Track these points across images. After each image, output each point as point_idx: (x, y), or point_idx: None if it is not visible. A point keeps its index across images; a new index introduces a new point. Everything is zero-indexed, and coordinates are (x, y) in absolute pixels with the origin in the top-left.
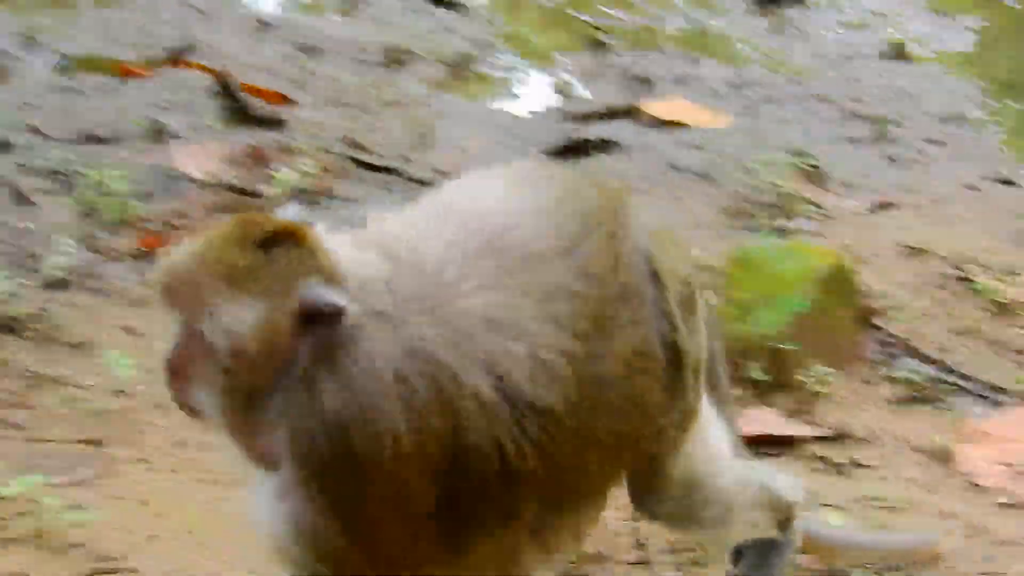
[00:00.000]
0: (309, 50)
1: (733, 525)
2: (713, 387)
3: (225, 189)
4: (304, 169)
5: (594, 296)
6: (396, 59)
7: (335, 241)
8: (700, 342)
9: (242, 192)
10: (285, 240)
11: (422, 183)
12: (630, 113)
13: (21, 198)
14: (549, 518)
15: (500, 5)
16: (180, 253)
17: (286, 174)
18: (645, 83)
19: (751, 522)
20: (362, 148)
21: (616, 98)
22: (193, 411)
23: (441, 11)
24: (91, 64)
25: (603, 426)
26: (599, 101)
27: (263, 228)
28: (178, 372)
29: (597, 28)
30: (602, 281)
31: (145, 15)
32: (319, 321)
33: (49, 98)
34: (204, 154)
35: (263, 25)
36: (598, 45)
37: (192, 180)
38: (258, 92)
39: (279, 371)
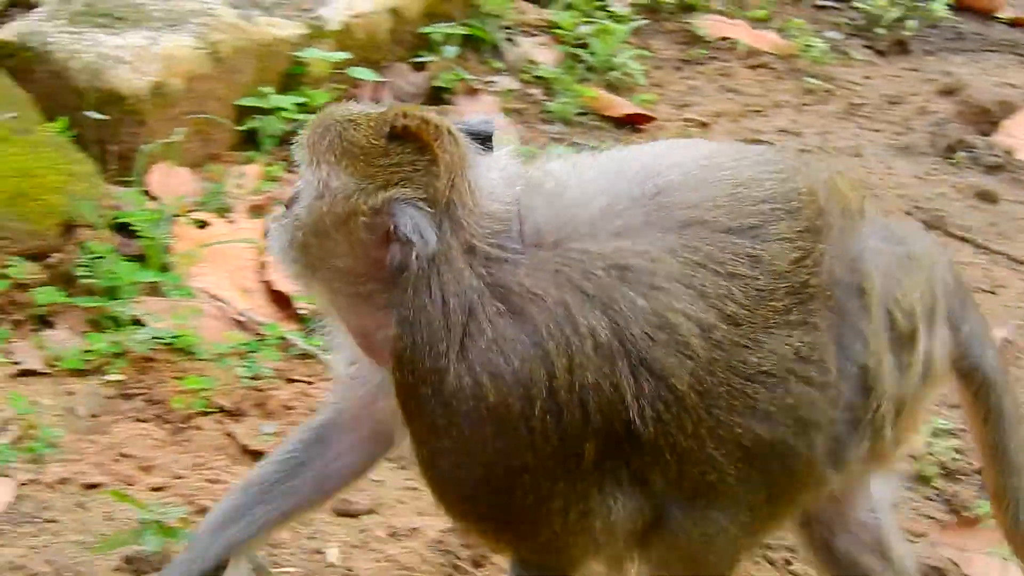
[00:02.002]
0: None
1: None
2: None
3: None
4: None
5: (760, 283)
6: None
7: (492, 163)
8: (909, 383)
9: None
10: (412, 141)
11: None
12: None
13: None
14: (675, 502)
15: None
16: (339, 111)
17: None
18: None
19: None
20: None
21: None
22: (283, 265)
23: None
24: None
25: (739, 423)
26: None
27: (400, 121)
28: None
29: None
30: (777, 271)
31: None
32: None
33: None
34: None
35: None
36: None
37: None
38: None
39: (378, 267)
